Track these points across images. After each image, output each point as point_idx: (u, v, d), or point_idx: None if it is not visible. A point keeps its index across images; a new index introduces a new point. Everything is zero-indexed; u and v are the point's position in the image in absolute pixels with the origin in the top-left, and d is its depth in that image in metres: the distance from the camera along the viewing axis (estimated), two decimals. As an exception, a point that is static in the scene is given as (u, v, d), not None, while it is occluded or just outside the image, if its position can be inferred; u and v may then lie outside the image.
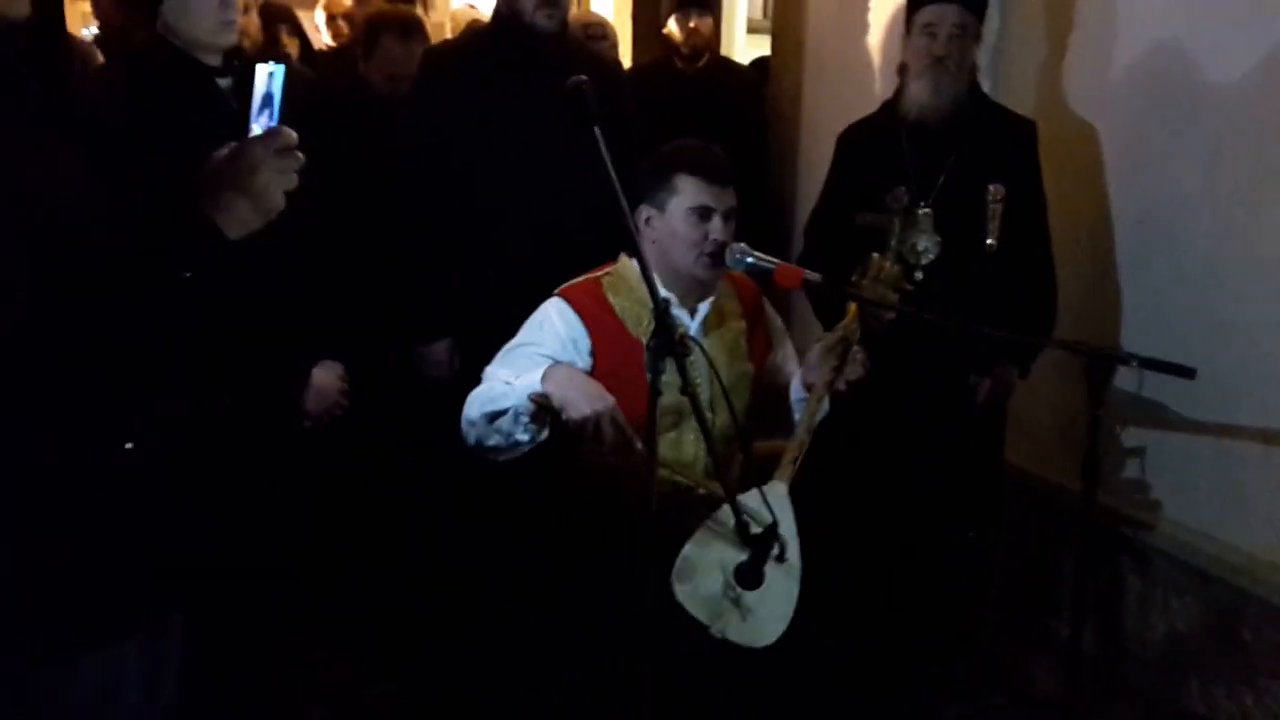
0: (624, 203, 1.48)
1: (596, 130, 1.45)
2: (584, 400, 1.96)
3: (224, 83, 2.13)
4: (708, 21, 3.93)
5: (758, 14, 6.22)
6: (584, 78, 1.49)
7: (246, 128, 1.35)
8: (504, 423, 2.07)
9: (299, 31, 4.22)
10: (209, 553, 1.61)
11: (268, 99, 1.34)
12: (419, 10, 3.95)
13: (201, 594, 1.62)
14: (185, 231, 1.27)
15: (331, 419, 2.31)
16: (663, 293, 2.17)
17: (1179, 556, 2.69)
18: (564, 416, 1.98)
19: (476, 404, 2.11)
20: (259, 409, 2.09)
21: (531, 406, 2.02)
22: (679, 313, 2.21)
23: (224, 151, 1.33)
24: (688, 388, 1.55)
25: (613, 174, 1.43)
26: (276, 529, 2.20)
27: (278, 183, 1.31)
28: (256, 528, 2.09)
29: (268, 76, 1.34)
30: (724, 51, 4.78)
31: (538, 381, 2.01)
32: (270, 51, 3.81)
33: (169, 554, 1.48)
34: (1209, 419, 2.61)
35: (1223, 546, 2.59)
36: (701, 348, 2.02)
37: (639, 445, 2.09)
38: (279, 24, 4.08)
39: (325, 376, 2.30)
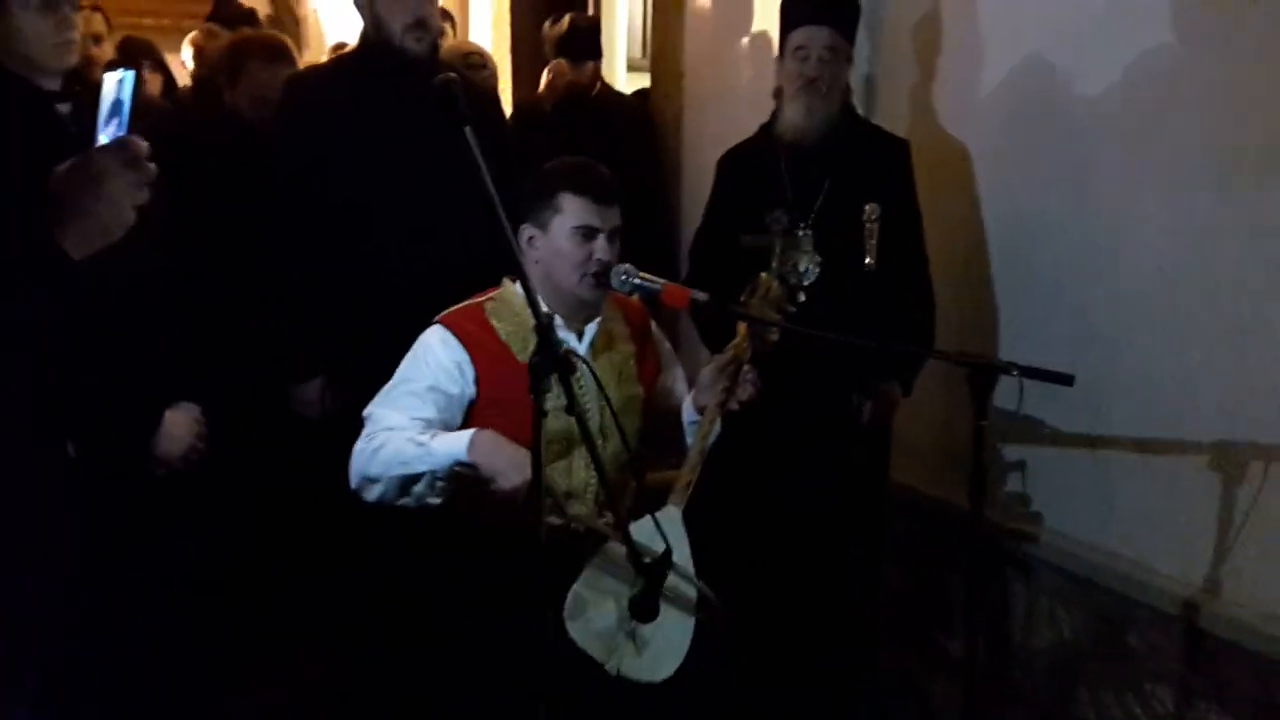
0: (501, 213, 1.42)
1: (468, 130, 1.38)
2: (514, 470, 1.89)
3: (63, 108, 1.99)
4: (590, 65, 3.95)
5: (637, 53, 6.32)
6: (453, 75, 1.43)
7: (93, 138, 1.26)
8: (418, 487, 1.99)
9: (162, 67, 4.10)
10: (53, 613, 1.48)
11: (116, 107, 1.25)
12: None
13: (51, 654, 1.48)
14: (22, 247, 1.16)
15: (189, 464, 2.18)
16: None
17: (1063, 566, 2.73)
18: (495, 487, 1.90)
19: (379, 462, 2.00)
20: (105, 454, 1.94)
21: (450, 474, 1.95)
22: (566, 335, 2.15)
23: (67, 164, 1.22)
24: (574, 407, 1.50)
25: (486, 176, 1.38)
26: (139, 580, 2.05)
27: (127, 196, 1.22)
28: (111, 580, 1.94)
29: (117, 84, 1.25)
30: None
31: (462, 450, 1.93)
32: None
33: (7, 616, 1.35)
34: (1084, 430, 2.67)
35: (1104, 555, 2.64)
36: (590, 368, 1.98)
37: (570, 511, 2.04)
38: (140, 59, 3.96)
39: (179, 420, 2.17)
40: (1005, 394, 2.68)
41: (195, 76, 3.69)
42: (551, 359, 1.42)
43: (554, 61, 3.99)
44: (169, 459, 2.15)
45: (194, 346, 2.23)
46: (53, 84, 1.99)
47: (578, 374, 1.49)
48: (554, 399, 2.04)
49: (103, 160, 1.21)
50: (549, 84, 4.08)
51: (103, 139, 1.24)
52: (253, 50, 3.14)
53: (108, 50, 3.32)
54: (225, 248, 2.67)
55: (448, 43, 3.87)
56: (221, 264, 2.61)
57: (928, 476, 3.06)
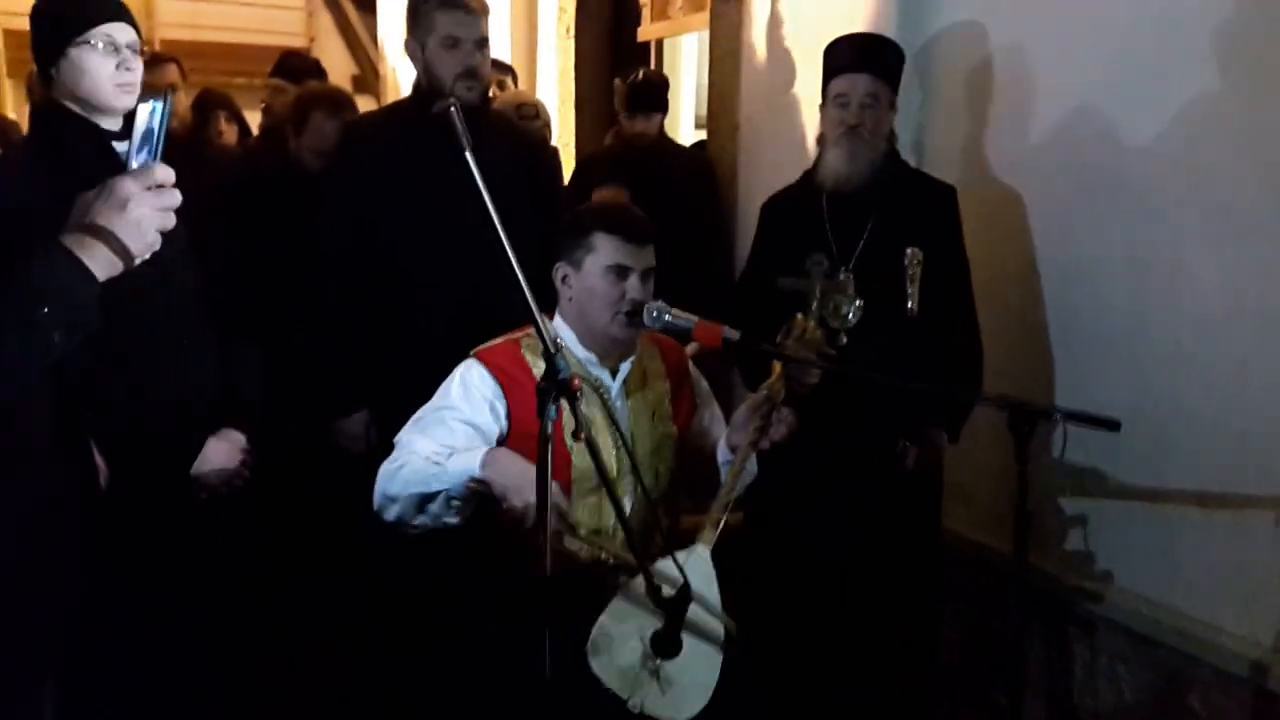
0: (508, 247, 1.44)
1: (469, 155, 1.42)
2: (527, 487, 1.85)
3: (122, 146, 2.09)
4: (655, 120, 4.02)
5: (704, 111, 6.38)
6: (453, 100, 1.47)
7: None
8: (434, 506, 1.99)
9: (238, 118, 4.25)
10: (81, 627, 1.52)
11: (148, 135, 1.30)
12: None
13: (75, 670, 1.52)
14: (46, 267, 1.21)
15: (232, 490, 2.23)
16: (582, 352, 2.17)
17: (1124, 624, 2.64)
18: (506, 504, 1.90)
19: (399, 481, 2.02)
20: (144, 478, 1.99)
21: (465, 492, 1.95)
22: (599, 373, 2.17)
23: (95, 189, 1.28)
24: (580, 431, 1.50)
25: (489, 201, 1.40)
26: (172, 603, 2.10)
27: (150, 220, 1.26)
28: (144, 601, 1.99)
29: (149, 113, 1.31)
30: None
31: (476, 467, 1.93)
32: (202, 136, 3.82)
33: (38, 626, 1.39)
34: (1145, 483, 2.59)
35: (1165, 611, 2.55)
36: (610, 410, 1.98)
37: (581, 532, 2.03)
38: (217, 110, 4.12)
39: (222, 447, 2.22)
40: (1062, 445, 2.61)
41: (262, 127, 3.82)
42: (556, 384, 1.43)
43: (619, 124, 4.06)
44: (208, 485, 2.20)
45: (240, 378, 2.29)
46: (113, 124, 2.09)
47: (581, 397, 1.48)
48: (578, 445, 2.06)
49: (129, 185, 1.26)
50: (614, 134, 4.15)
51: (134, 165, 1.29)
52: (318, 102, 3.27)
53: (181, 99, 3.47)
54: (276, 284, 2.75)
55: (506, 95, 3.99)
56: (271, 299, 2.69)
57: (985, 527, 2.99)
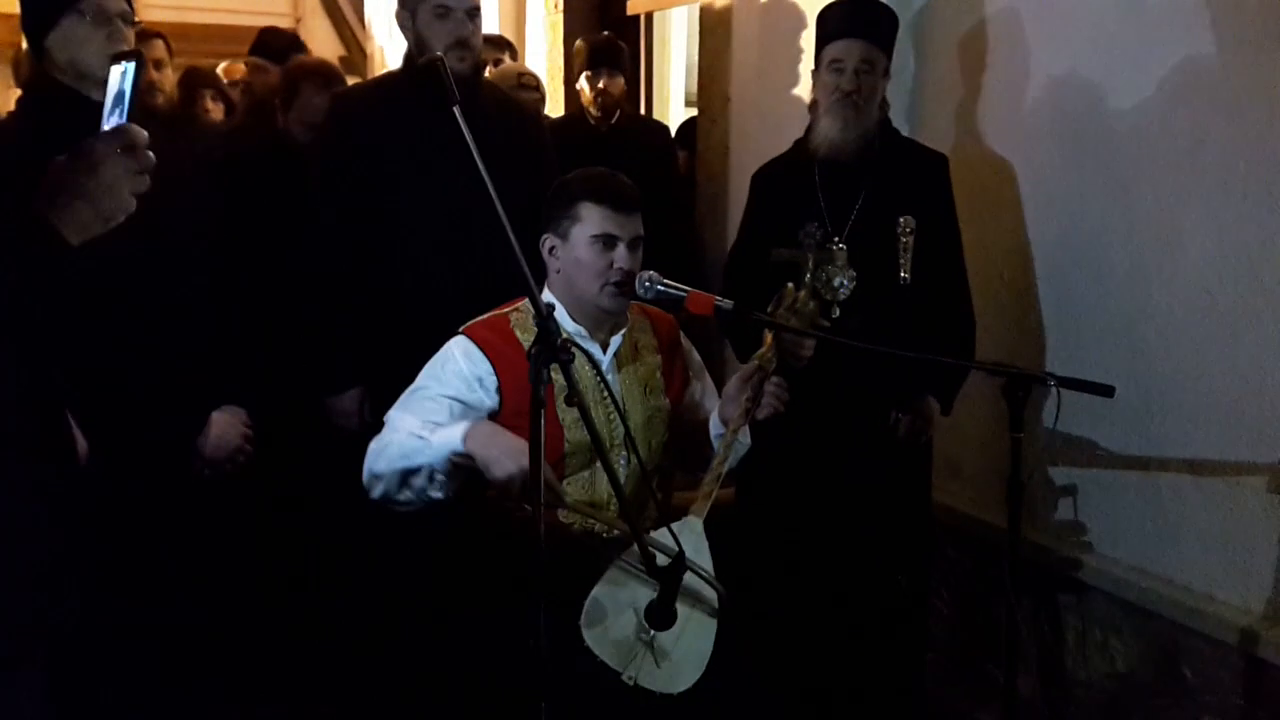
0: (501, 212, 1.42)
1: (456, 111, 1.39)
2: (509, 458, 1.84)
3: None
4: (617, 82, 3.94)
5: (694, 88, 6.34)
6: (440, 56, 1.45)
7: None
8: (418, 480, 1.97)
9: (224, 97, 4.20)
10: (74, 606, 1.51)
11: (119, 97, 1.28)
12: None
13: (64, 647, 1.51)
14: (16, 231, 1.19)
15: (235, 466, 2.21)
16: (572, 325, 2.15)
17: (1116, 594, 2.64)
18: (489, 476, 1.87)
19: (384, 458, 2.00)
20: (146, 452, 1.97)
21: (449, 466, 1.93)
22: (590, 346, 2.14)
23: (67, 153, 1.26)
24: (575, 397, 1.48)
25: (479, 161, 1.37)
26: (171, 578, 2.08)
27: (123, 182, 1.24)
28: (141, 577, 1.97)
29: (120, 75, 1.29)
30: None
31: (458, 440, 1.91)
32: (188, 113, 3.78)
33: (29, 604, 1.38)
34: (1136, 451, 2.59)
35: (1158, 581, 2.55)
36: (606, 384, 1.97)
37: (567, 500, 2.02)
38: (203, 89, 4.07)
39: (226, 422, 2.20)
40: (1053, 414, 2.60)
41: (245, 106, 3.77)
42: (550, 348, 1.41)
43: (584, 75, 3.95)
44: (215, 460, 2.18)
45: (237, 354, 2.27)
46: (101, 95, 2.05)
47: (573, 361, 1.46)
48: (570, 417, 2.05)
49: (101, 147, 1.23)
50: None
51: (106, 128, 1.27)
52: (307, 76, 3.22)
53: (169, 76, 3.42)
54: (268, 260, 2.72)
55: (507, 66, 3.95)
56: (264, 275, 2.66)
57: (976, 500, 2.99)
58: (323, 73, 3.24)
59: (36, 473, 1.41)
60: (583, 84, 3.93)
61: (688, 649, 1.87)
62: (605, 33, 4.16)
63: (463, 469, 1.92)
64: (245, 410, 2.29)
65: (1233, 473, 2.38)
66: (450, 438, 1.93)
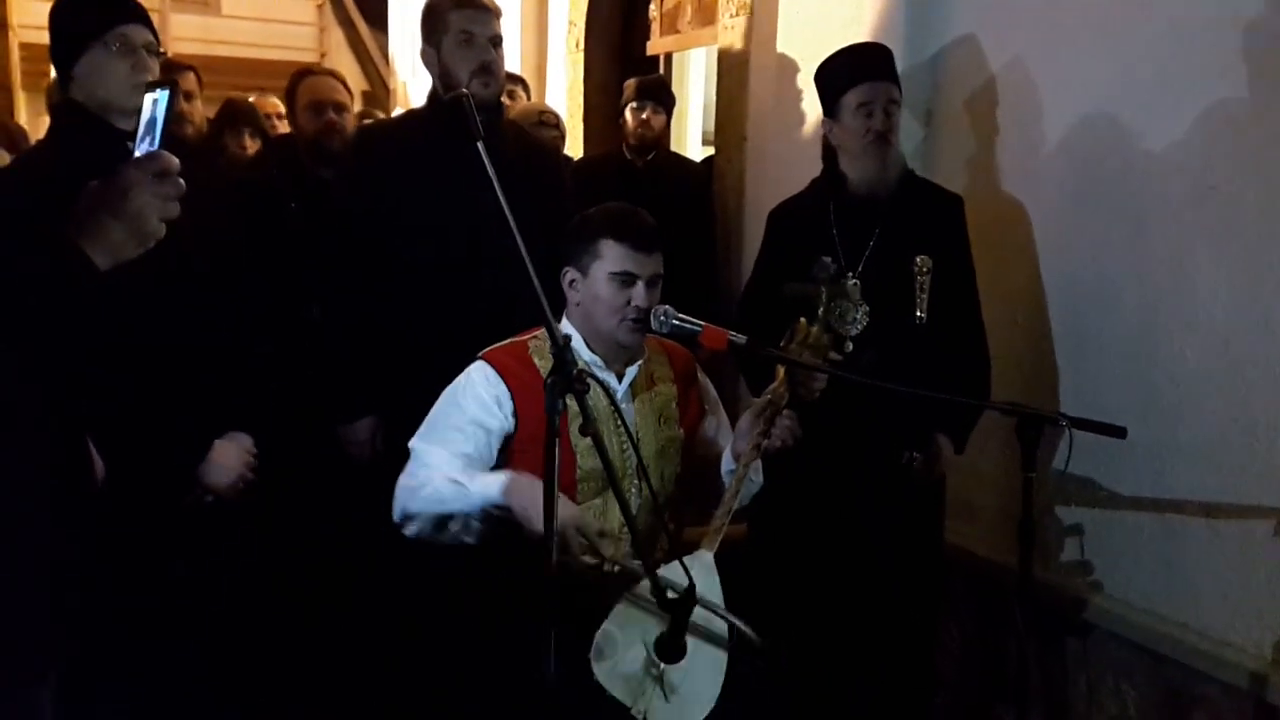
0: (520, 242, 1.45)
1: (480, 146, 1.42)
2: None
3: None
4: (660, 118, 4.04)
5: (712, 127, 6.39)
6: (465, 92, 1.48)
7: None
8: (453, 527, 2.01)
9: (262, 133, 4.15)
10: (80, 625, 1.52)
11: (151, 124, 1.31)
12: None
13: (76, 670, 1.52)
14: (47, 256, 1.21)
15: (236, 494, 2.22)
16: (588, 355, 2.18)
17: (1127, 637, 2.63)
18: (528, 530, 1.90)
19: (419, 500, 2.03)
20: (146, 478, 1.99)
21: (485, 514, 1.96)
22: (606, 376, 2.17)
23: (100, 179, 1.29)
24: (588, 426, 1.50)
25: (500, 194, 1.40)
26: (176, 604, 2.10)
27: (153, 208, 1.26)
28: (146, 603, 1.98)
29: (152, 103, 1.32)
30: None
31: (497, 493, 1.95)
32: (216, 145, 3.83)
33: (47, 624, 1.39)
34: (1148, 494, 2.58)
35: (1171, 625, 2.53)
36: (620, 414, 1.99)
37: (606, 554, 2.03)
38: (242, 127, 3.99)
39: (229, 448, 2.22)
40: (1066, 455, 2.61)
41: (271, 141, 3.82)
42: (565, 378, 1.43)
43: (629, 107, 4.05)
44: (217, 487, 2.20)
45: (247, 380, 2.29)
46: (129, 124, 2.09)
47: (589, 392, 1.49)
48: (583, 444, 2.06)
49: (133, 173, 1.25)
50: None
51: (137, 154, 1.30)
52: (301, 73, 3.32)
53: (198, 108, 3.48)
54: (285, 286, 2.75)
55: (526, 104, 4.01)
56: (277, 302, 2.69)
57: (988, 540, 2.98)
58: (308, 67, 3.32)
59: (58, 494, 1.43)
60: (627, 115, 4.04)
61: (697, 686, 1.87)
62: (658, 74, 4.23)
63: (500, 519, 1.94)
64: (251, 437, 2.30)
65: (1245, 515, 2.38)
66: (489, 489, 1.96)
